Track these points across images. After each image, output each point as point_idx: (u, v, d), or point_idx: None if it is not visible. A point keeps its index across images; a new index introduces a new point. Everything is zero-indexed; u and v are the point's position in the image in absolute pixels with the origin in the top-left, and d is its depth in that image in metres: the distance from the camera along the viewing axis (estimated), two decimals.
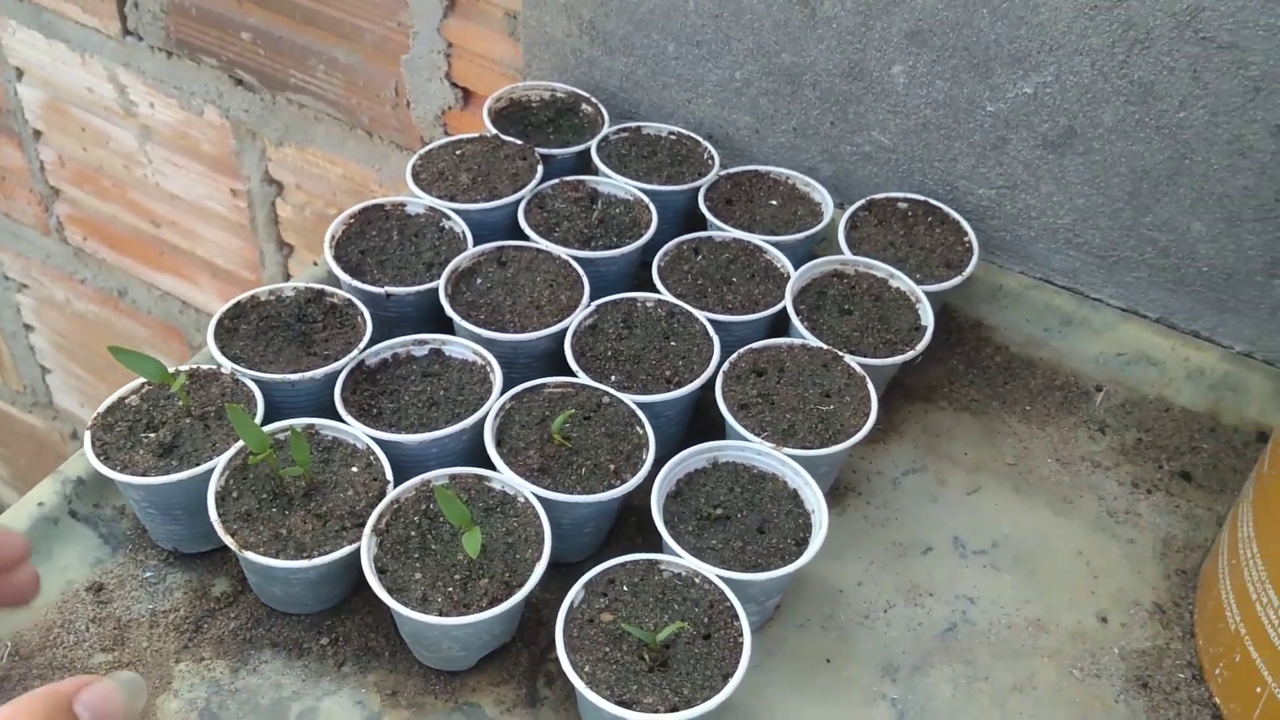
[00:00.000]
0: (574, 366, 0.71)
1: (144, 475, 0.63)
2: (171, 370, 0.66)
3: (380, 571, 0.59)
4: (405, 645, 0.63)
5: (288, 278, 1.39)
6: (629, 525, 0.71)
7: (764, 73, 0.89)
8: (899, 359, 0.73)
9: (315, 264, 0.84)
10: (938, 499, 0.74)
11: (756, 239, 0.81)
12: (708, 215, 0.84)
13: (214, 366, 0.69)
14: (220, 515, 0.61)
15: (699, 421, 0.75)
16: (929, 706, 0.63)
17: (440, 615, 0.57)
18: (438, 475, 0.64)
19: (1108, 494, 0.75)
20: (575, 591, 0.59)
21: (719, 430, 0.71)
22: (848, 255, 0.80)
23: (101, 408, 0.67)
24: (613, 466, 0.66)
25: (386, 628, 0.64)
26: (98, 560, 0.66)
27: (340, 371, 0.69)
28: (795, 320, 0.75)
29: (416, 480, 0.63)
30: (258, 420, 0.66)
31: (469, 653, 0.61)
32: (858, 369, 0.72)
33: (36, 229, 1.62)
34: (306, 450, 0.61)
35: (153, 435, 0.65)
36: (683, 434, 0.75)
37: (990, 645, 0.67)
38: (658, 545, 0.64)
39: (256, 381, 0.69)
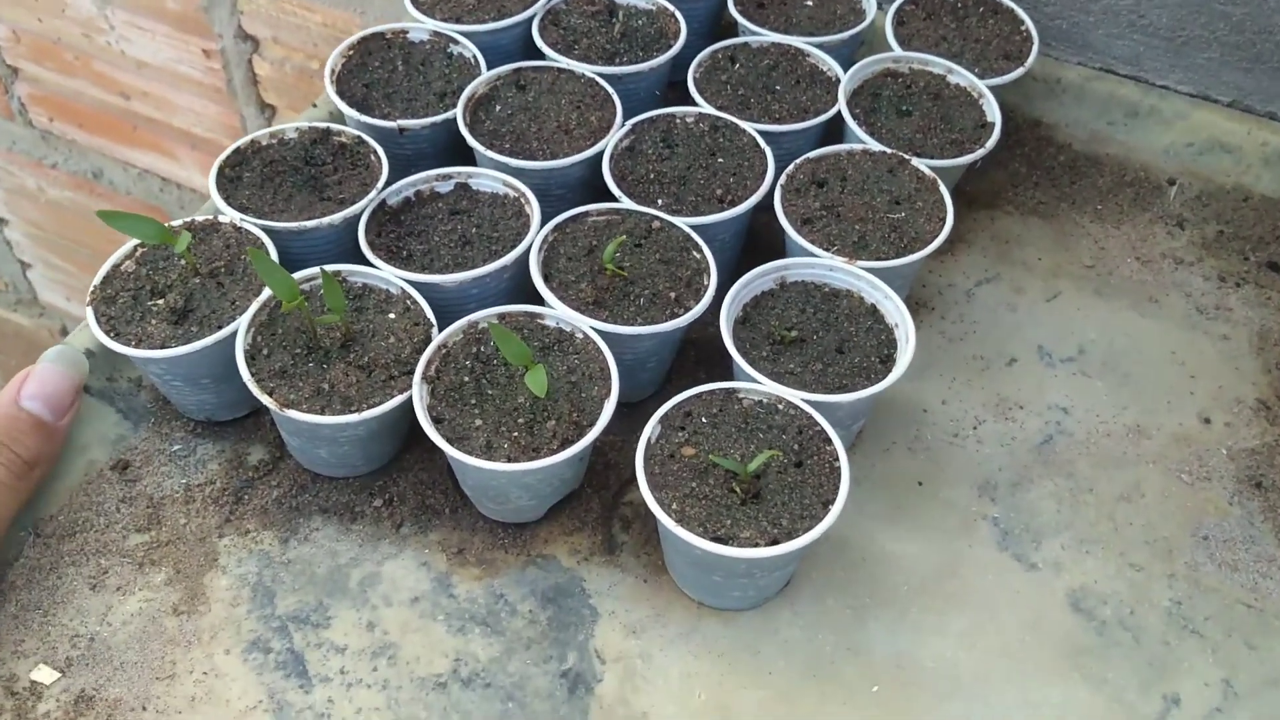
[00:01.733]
0: (615, 191, 0.65)
1: (163, 347, 0.57)
2: (168, 227, 0.60)
3: (437, 421, 0.54)
4: (467, 500, 0.58)
5: None
6: (688, 360, 0.66)
7: None
8: (968, 158, 0.67)
9: (314, 105, 0.77)
10: (1016, 308, 0.69)
11: (798, 41, 0.74)
12: (740, 20, 0.77)
13: (211, 218, 0.63)
14: (254, 375, 0.55)
15: (752, 244, 0.69)
16: (1034, 524, 0.59)
17: (509, 462, 0.52)
18: (485, 315, 0.58)
19: (1194, 290, 0.70)
20: (651, 427, 0.54)
21: (776, 252, 0.65)
22: (899, 52, 0.73)
23: (97, 279, 0.60)
24: (673, 294, 0.60)
25: (444, 483, 0.59)
26: (120, 437, 0.61)
27: (361, 214, 0.63)
28: (852, 124, 0.68)
29: (463, 322, 0.57)
30: None
31: (539, 501, 0.56)
32: (928, 172, 0.65)
33: None
34: (341, 295, 0.55)
35: (161, 301, 0.59)
36: (737, 258, 0.69)
37: (1090, 455, 0.62)
38: (724, 378, 0.58)
39: (266, 231, 0.62)
